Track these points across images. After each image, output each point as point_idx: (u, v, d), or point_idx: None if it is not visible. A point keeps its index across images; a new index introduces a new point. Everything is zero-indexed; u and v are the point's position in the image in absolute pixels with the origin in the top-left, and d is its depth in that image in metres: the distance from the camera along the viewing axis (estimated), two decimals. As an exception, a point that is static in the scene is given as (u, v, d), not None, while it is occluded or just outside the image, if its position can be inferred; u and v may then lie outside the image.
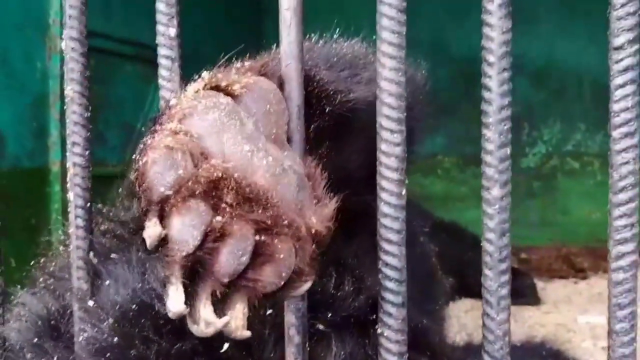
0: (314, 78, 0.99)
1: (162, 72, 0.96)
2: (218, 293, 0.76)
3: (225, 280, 0.76)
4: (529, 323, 3.19)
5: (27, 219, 2.69)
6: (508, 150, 0.89)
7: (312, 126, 0.98)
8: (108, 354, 0.95)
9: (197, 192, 0.74)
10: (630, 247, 0.87)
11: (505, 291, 0.90)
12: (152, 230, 0.73)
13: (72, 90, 1.08)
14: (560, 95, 5.08)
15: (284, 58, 0.88)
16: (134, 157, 0.77)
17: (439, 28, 5.20)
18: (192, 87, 0.83)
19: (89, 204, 1.08)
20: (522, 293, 3.46)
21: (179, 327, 1.00)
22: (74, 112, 1.07)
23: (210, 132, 0.78)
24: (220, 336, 0.88)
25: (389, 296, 0.91)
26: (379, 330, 0.92)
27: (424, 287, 2.40)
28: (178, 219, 0.73)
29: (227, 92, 0.82)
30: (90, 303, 1.02)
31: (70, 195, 1.08)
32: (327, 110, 1.00)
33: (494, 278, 0.90)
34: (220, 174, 0.76)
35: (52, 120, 2.94)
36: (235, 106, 0.80)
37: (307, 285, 0.82)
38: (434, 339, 1.31)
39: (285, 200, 0.79)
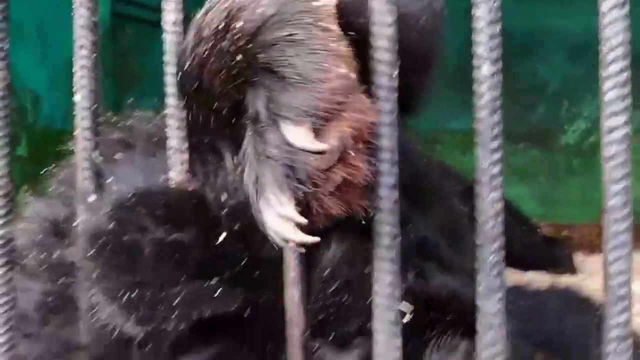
0: None
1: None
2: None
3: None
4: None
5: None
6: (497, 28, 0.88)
7: None
8: (102, 239, 0.97)
9: None
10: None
11: (497, 170, 0.88)
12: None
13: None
14: (601, 70, 4.95)
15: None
16: None
17: None
18: None
19: (95, 106, 1.11)
20: (558, 262, 3.40)
21: (176, 218, 1.02)
22: (81, 16, 1.09)
23: None
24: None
25: (382, 179, 0.91)
26: (370, 214, 0.92)
27: (453, 245, 2.38)
28: None
29: None
30: (92, 198, 1.04)
31: (77, 97, 1.10)
32: None
33: (485, 155, 0.88)
34: None
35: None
36: None
37: None
38: (447, 253, 1.29)
39: None
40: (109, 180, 1.05)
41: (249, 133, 0.88)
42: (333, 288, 1.08)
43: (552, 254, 3.33)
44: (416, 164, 2.02)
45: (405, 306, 1.02)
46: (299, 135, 0.80)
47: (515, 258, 3.16)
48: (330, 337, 1.07)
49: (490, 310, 0.89)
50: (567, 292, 1.85)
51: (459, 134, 4.95)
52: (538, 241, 3.31)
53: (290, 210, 0.82)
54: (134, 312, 0.96)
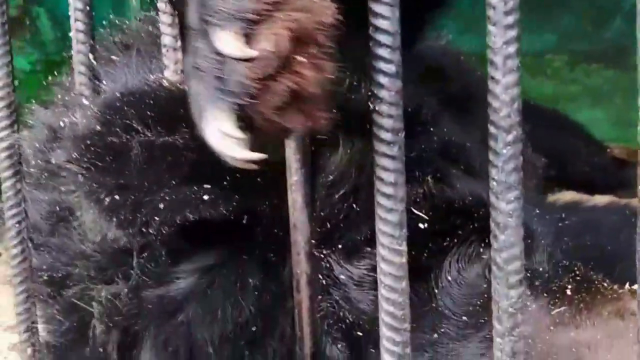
0: None
1: None
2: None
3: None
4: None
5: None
6: None
7: None
8: (87, 141, 0.92)
9: None
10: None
11: (512, 49, 0.77)
12: None
13: None
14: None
15: None
16: None
17: None
18: None
19: (88, 7, 1.04)
20: (629, 185, 3.20)
21: (169, 119, 0.95)
22: None
23: None
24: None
25: (380, 65, 0.81)
26: (371, 107, 0.82)
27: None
28: None
29: None
30: (85, 101, 0.99)
31: (70, -1, 1.04)
32: None
33: (499, 33, 0.77)
34: None
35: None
36: None
37: None
38: (477, 158, 1.18)
39: None
40: (104, 83, 0.99)
41: (187, 44, 0.79)
42: (340, 194, 1.00)
43: (623, 175, 3.13)
44: (468, 76, 1.90)
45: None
46: (226, 42, 0.69)
47: (581, 181, 2.99)
48: (339, 246, 1.00)
49: (505, 209, 0.79)
50: (627, 208, 1.72)
51: (528, 56, 4.69)
52: (607, 162, 3.11)
53: (227, 126, 0.72)
54: (115, 215, 0.91)
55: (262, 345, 1.00)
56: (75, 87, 1.04)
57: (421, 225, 1.03)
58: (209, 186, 0.94)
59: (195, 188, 0.93)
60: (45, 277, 1.10)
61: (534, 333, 1.02)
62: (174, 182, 0.93)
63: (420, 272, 1.03)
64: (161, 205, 0.92)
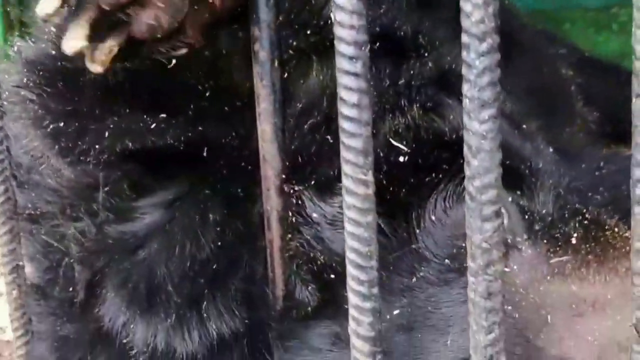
0: None
1: None
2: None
3: (106, 6, 0.72)
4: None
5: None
6: None
7: None
8: (39, 65, 0.86)
9: None
10: None
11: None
12: None
13: None
14: None
15: None
16: None
17: None
18: None
19: None
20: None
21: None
22: None
23: None
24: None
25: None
26: (332, 17, 0.73)
27: (551, 107, 2.10)
28: None
29: None
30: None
31: None
32: None
33: None
34: None
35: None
36: None
37: (184, 50, 0.80)
38: None
39: None
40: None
41: None
42: (310, 124, 0.92)
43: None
44: (508, 23, 1.77)
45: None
46: None
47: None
48: (311, 182, 0.92)
49: (479, 130, 0.69)
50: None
51: (592, 11, 4.44)
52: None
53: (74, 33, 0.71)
54: (57, 142, 0.86)
55: (224, 285, 0.93)
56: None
57: (401, 159, 0.94)
58: (164, 115, 0.87)
59: (146, 116, 0.87)
60: (26, 215, 1.06)
61: (526, 282, 0.92)
62: (127, 110, 0.87)
63: (400, 209, 0.94)
64: (106, 133, 0.87)
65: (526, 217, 0.97)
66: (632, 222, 0.64)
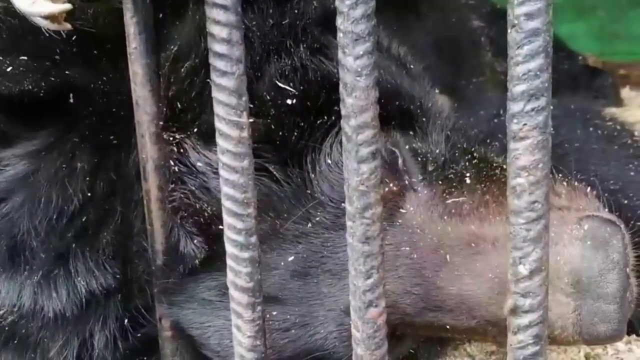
0: None
1: None
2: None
3: None
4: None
5: None
6: None
7: None
8: None
9: None
10: None
11: None
12: None
13: None
14: None
15: None
16: None
17: None
18: None
19: None
20: (602, 93, 3.06)
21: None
22: None
23: None
24: None
25: None
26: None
27: (458, 59, 2.10)
28: None
29: None
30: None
31: None
32: None
33: None
34: None
35: None
36: None
37: None
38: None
39: None
40: None
41: None
42: (187, 66, 0.86)
43: (595, 83, 2.97)
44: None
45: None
46: None
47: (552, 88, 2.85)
48: (194, 129, 0.87)
49: (353, 66, 0.65)
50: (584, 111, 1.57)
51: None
52: (579, 69, 2.95)
53: None
54: None
55: (95, 239, 0.88)
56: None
57: (289, 101, 0.90)
58: (25, 58, 0.80)
59: (2, 58, 0.80)
60: None
61: (423, 223, 0.90)
62: None
63: (293, 155, 0.90)
64: None
65: (420, 158, 0.95)
66: (508, 159, 0.62)
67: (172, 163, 0.85)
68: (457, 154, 0.97)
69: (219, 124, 0.71)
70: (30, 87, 0.79)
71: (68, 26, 0.75)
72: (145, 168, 0.84)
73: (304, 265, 0.92)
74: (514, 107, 0.62)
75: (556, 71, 2.34)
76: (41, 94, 0.80)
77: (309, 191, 0.91)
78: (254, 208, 0.72)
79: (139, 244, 0.88)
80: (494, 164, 0.97)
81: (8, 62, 0.79)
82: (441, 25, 2.04)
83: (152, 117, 0.82)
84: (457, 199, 0.91)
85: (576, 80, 2.95)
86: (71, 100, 0.82)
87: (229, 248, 0.73)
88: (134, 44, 0.80)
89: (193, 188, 0.87)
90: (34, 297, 0.88)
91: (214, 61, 0.69)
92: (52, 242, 0.86)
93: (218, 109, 0.70)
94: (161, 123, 0.83)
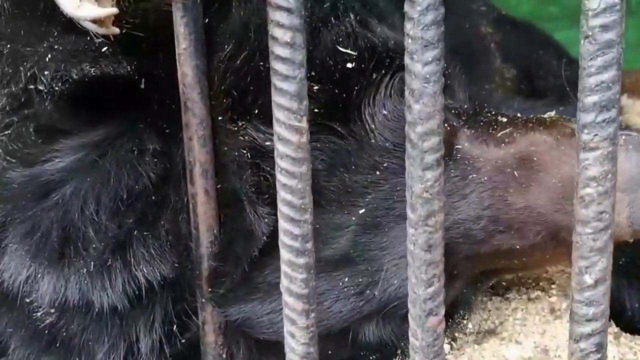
0: None
1: None
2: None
3: None
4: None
5: None
6: None
7: None
8: None
9: None
10: None
11: None
12: None
13: None
14: None
15: None
16: None
17: None
18: None
19: None
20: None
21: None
22: None
23: None
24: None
25: None
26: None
27: (471, 64, 2.11)
28: None
29: None
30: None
31: None
32: None
33: None
34: None
35: None
36: None
37: None
38: None
39: None
40: None
41: None
42: (241, 59, 0.85)
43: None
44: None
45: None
46: None
47: (544, 94, 2.87)
48: (254, 111, 0.87)
49: (421, 73, 0.64)
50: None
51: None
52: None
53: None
54: None
55: (154, 225, 0.85)
56: None
57: (349, 65, 0.93)
58: (100, 41, 0.79)
59: (87, 38, 0.79)
60: None
61: (482, 152, 0.96)
62: (56, 32, 0.79)
63: (353, 111, 0.94)
64: (48, 57, 0.79)
65: (454, 112, 1.01)
66: (576, 169, 0.62)
67: (244, 151, 0.85)
68: (484, 109, 1.06)
69: (278, 128, 0.70)
70: (126, 69, 0.79)
71: (116, 30, 0.73)
72: (193, 172, 0.82)
73: (374, 215, 0.95)
74: (585, 117, 0.62)
75: (559, 77, 2.35)
76: (136, 85, 0.80)
77: (372, 141, 0.94)
78: (310, 214, 0.71)
79: (189, 233, 0.87)
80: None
81: (88, 43, 0.79)
82: (456, 31, 2.04)
83: (201, 119, 0.81)
84: (505, 131, 0.97)
85: (577, 87, 2.95)
86: (142, 86, 0.82)
87: (284, 254, 0.72)
88: (184, 45, 0.79)
89: (268, 168, 0.87)
90: (82, 291, 0.86)
91: (275, 64, 0.68)
92: (109, 230, 0.85)
93: (278, 114, 0.69)
94: (220, 118, 0.81)
